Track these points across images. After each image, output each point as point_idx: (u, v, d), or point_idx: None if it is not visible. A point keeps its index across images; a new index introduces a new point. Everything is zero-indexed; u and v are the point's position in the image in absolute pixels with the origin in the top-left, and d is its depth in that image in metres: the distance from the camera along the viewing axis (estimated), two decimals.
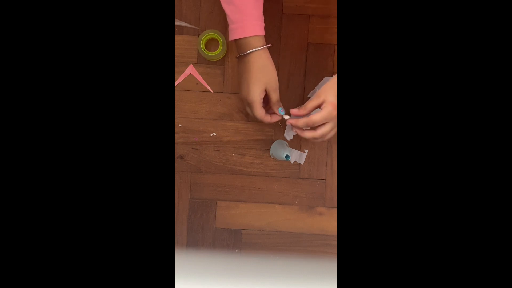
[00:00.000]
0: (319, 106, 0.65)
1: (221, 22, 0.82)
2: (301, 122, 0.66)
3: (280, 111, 0.71)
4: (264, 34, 0.68)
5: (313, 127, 0.66)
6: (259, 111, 0.69)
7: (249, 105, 0.69)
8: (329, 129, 0.66)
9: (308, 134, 0.67)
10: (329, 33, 0.82)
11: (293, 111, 0.67)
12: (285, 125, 0.82)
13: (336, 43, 0.81)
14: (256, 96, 0.68)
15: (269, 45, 0.69)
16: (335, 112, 0.64)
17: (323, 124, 0.65)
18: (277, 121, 0.82)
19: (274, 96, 0.70)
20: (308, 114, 0.67)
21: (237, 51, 0.70)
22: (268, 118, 0.71)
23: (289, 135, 0.82)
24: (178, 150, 0.82)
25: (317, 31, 0.82)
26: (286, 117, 0.71)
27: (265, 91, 0.69)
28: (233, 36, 0.68)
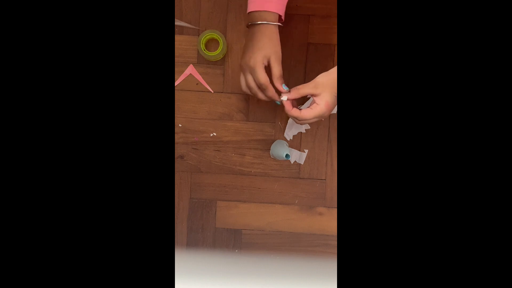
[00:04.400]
0: (312, 95, 0.66)
1: (221, 22, 0.82)
2: (291, 114, 0.66)
3: (284, 86, 0.69)
4: (281, 15, 0.68)
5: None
6: (263, 76, 0.66)
7: (252, 69, 0.66)
8: (314, 121, 0.68)
9: (295, 114, 0.67)
10: (329, 33, 0.82)
11: (283, 95, 0.67)
12: (285, 125, 0.82)
13: (336, 43, 0.81)
14: (258, 59, 0.66)
15: (281, 24, 0.68)
16: (327, 113, 0.65)
17: None
18: (277, 122, 0.82)
19: (277, 69, 0.68)
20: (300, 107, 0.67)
21: (249, 22, 0.69)
22: (272, 88, 0.68)
23: (289, 135, 0.82)
24: (178, 150, 0.82)
25: (317, 31, 0.82)
26: (284, 98, 0.68)
27: (268, 62, 0.67)
28: (250, 8, 0.67)
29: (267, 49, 0.67)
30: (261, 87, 0.67)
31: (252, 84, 0.68)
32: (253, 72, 0.67)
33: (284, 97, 0.67)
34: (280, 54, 0.68)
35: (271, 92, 0.68)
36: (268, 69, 0.68)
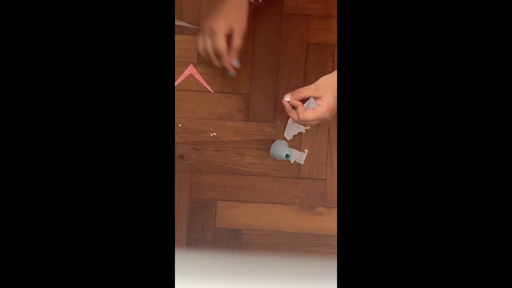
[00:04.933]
0: (314, 98, 0.66)
1: None
2: (293, 114, 0.66)
3: (236, 63, 0.69)
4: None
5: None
6: (222, 42, 0.66)
7: (213, 33, 0.66)
8: (315, 123, 0.67)
9: (294, 116, 0.67)
10: (329, 33, 0.82)
11: (286, 96, 0.67)
12: (285, 125, 0.82)
13: (336, 43, 0.82)
14: (222, 26, 0.65)
15: (252, 1, 0.68)
16: (327, 115, 0.65)
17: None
18: (277, 122, 0.82)
19: (237, 41, 0.67)
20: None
21: None
22: (227, 57, 0.67)
23: (289, 135, 0.82)
24: (178, 150, 0.82)
25: (317, 31, 0.82)
26: (287, 98, 0.67)
27: (231, 32, 0.67)
28: None
29: (233, 18, 0.66)
30: (217, 53, 0.67)
31: (210, 48, 0.68)
32: (213, 36, 0.66)
33: (286, 98, 0.67)
34: (245, 29, 0.68)
35: (226, 61, 0.68)
36: (230, 39, 0.67)
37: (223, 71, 0.82)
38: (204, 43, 0.68)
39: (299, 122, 0.67)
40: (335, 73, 0.66)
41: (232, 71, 0.70)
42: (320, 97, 0.64)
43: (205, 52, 0.69)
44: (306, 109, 0.66)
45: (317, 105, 0.65)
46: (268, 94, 0.82)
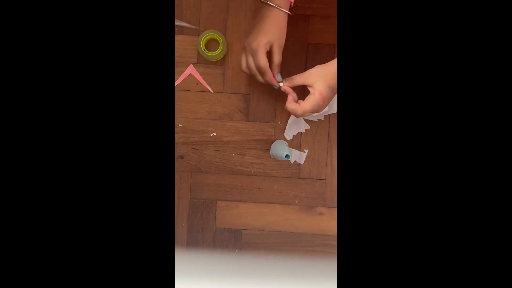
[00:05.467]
0: (307, 86, 0.68)
1: (221, 22, 0.82)
2: (291, 106, 0.69)
3: (279, 76, 0.71)
4: (291, 4, 0.69)
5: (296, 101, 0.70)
6: (263, 60, 0.68)
7: (253, 52, 0.68)
8: (311, 113, 0.69)
9: (293, 107, 0.69)
10: (329, 33, 0.82)
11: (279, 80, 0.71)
12: (285, 125, 0.82)
13: (336, 43, 0.82)
14: (261, 43, 0.67)
15: (290, 13, 0.70)
16: (321, 102, 0.67)
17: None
18: (277, 122, 0.82)
19: (277, 57, 0.69)
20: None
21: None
22: (270, 72, 0.70)
23: (289, 135, 0.82)
24: (178, 150, 0.82)
25: (317, 31, 0.82)
26: (281, 83, 0.71)
27: (271, 48, 0.69)
28: None
29: (272, 35, 0.68)
30: (259, 70, 0.69)
31: (252, 65, 0.70)
32: (254, 55, 0.68)
33: (281, 83, 0.71)
34: (283, 43, 0.70)
35: (269, 76, 0.70)
36: (269, 54, 0.69)
37: (223, 71, 0.82)
38: (247, 61, 0.70)
39: (298, 116, 0.69)
40: (329, 62, 0.67)
41: (276, 85, 0.72)
42: (312, 85, 0.67)
43: (248, 69, 0.71)
44: (297, 97, 0.69)
45: (310, 93, 0.67)
46: (268, 94, 0.82)
